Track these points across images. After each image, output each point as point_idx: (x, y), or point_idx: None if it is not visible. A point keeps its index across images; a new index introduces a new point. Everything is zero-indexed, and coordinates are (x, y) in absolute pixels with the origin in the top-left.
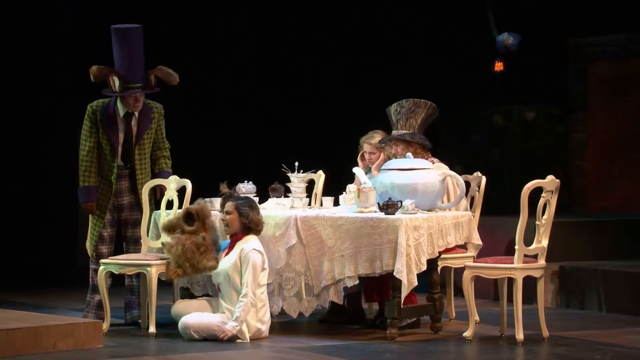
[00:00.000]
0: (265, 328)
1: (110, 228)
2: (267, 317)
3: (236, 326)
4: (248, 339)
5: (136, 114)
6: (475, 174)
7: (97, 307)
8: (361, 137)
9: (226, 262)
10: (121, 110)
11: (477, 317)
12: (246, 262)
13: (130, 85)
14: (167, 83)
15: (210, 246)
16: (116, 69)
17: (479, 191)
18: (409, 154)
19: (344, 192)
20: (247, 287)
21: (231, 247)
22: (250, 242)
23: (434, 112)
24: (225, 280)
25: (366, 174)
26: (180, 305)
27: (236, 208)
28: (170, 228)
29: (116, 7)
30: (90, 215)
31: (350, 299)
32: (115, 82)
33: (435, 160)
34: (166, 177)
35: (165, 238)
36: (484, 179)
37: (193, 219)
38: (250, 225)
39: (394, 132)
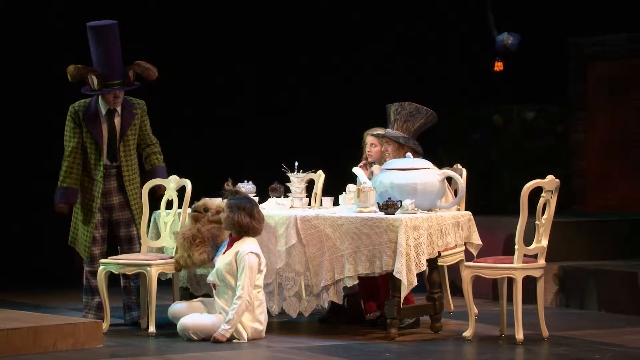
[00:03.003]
0: (262, 327)
1: (102, 229)
2: (263, 317)
3: (229, 329)
4: (246, 339)
5: (118, 110)
6: (455, 166)
7: (97, 309)
8: (365, 131)
9: (221, 262)
10: (103, 108)
11: (476, 311)
12: (242, 264)
13: (108, 82)
14: (146, 78)
15: (205, 239)
16: (94, 66)
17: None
18: (409, 153)
19: (344, 192)
20: (243, 289)
21: (229, 246)
22: (246, 245)
23: (433, 121)
24: (220, 280)
25: (370, 168)
26: (176, 307)
27: (226, 207)
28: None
29: (114, 9)
30: (78, 218)
31: (350, 299)
32: (94, 81)
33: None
34: (161, 173)
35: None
36: (464, 171)
37: (199, 212)
38: (235, 226)
39: (389, 130)
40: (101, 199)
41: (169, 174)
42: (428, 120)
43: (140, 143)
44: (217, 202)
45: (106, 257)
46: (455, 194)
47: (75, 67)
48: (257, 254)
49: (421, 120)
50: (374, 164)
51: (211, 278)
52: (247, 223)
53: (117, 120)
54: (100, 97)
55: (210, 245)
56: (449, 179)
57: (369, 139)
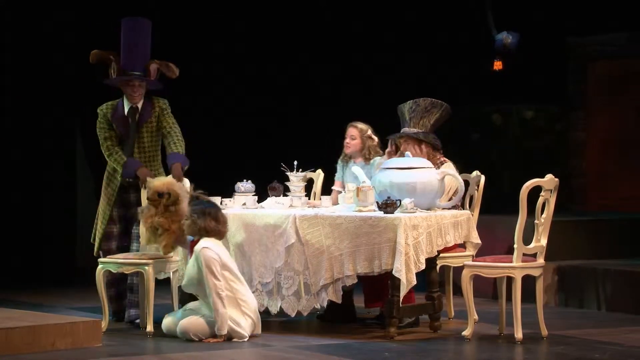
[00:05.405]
0: (251, 321)
1: (119, 224)
2: (251, 309)
3: (222, 334)
4: (247, 335)
5: (139, 107)
6: (474, 173)
7: (116, 299)
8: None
9: (189, 271)
10: (126, 107)
11: (476, 317)
12: (199, 262)
13: (128, 72)
14: (166, 75)
15: (170, 230)
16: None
17: (477, 190)
18: (408, 152)
19: (343, 191)
20: (210, 287)
21: (191, 253)
22: (200, 243)
23: (448, 114)
24: (196, 289)
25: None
26: (168, 320)
27: (191, 213)
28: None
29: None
30: (99, 212)
31: (344, 298)
32: (114, 68)
33: (447, 161)
34: (173, 158)
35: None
36: (482, 178)
37: (154, 199)
38: (201, 232)
39: (405, 129)
40: (118, 194)
41: (167, 174)
42: (444, 114)
43: (154, 140)
44: (160, 181)
45: (123, 252)
46: (471, 198)
47: (99, 51)
48: (208, 247)
49: (437, 114)
50: (352, 159)
51: (188, 289)
52: (213, 227)
53: (137, 118)
54: (124, 96)
55: (175, 238)
56: (466, 183)
57: (350, 131)
